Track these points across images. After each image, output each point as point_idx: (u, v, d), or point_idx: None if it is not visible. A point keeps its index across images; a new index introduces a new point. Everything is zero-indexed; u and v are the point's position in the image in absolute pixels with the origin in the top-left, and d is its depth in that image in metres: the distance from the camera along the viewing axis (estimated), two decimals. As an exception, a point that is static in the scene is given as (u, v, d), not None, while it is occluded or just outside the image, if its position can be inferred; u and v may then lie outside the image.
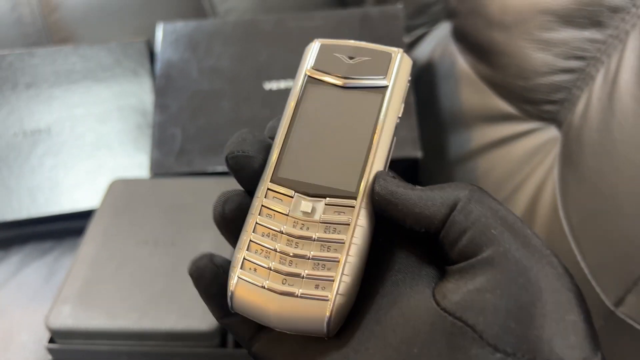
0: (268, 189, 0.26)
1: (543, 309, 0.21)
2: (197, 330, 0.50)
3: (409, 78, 0.28)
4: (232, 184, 0.68)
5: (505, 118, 0.63)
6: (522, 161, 0.61)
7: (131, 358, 0.52)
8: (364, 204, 0.25)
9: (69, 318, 0.51)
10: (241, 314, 0.25)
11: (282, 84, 0.70)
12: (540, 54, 0.57)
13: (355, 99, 0.27)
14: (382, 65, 0.28)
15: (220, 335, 0.51)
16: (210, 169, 0.65)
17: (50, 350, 0.53)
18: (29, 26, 0.84)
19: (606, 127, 0.49)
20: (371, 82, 0.27)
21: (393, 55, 0.28)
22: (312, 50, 0.29)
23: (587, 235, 0.49)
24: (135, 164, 0.72)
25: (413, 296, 0.24)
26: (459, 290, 0.22)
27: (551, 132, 0.59)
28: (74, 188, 0.71)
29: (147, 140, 0.73)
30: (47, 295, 0.63)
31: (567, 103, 0.56)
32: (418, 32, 0.82)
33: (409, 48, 0.80)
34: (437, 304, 0.23)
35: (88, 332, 0.51)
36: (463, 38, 0.70)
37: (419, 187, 0.25)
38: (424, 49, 0.80)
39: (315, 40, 0.29)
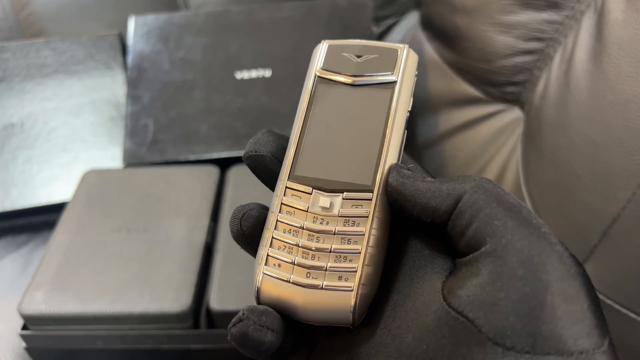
0: (287, 187, 0.26)
1: (547, 299, 0.21)
2: (170, 312, 0.51)
3: (416, 72, 0.29)
4: (203, 173, 0.68)
5: (471, 101, 0.64)
6: (487, 142, 0.62)
7: (106, 342, 0.53)
8: (380, 196, 0.26)
9: (42, 304, 0.52)
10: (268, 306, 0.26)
11: (253, 74, 0.71)
12: (502, 37, 0.59)
13: (365, 95, 0.28)
14: (390, 62, 0.29)
15: (193, 317, 0.52)
16: (183, 157, 0.66)
17: (24, 337, 0.53)
18: (0, 21, 0.84)
19: (563, 103, 0.50)
20: (380, 78, 0.28)
21: (399, 51, 0.29)
22: (320, 51, 0.30)
23: (546, 208, 0.51)
24: (109, 156, 0.73)
25: (425, 292, 0.24)
26: (463, 285, 0.22)
27: (514, 113, 0.60)
28: (48, 181, 0.71)
29: (120, 132, 0.74)
30: (22, 287, 0.63)
31: (529, 84, 0.58)
32: (387, 22, 0.84)
33: (378, 38, 0.81)
34: (444, 299, 0.23)
35: (61, 317, 0.51)
36: (429, 25, 0.72)
37: (429, 179, 0.25)
38: (393, 39, 0.82)
39: (323, 41, 0.30)
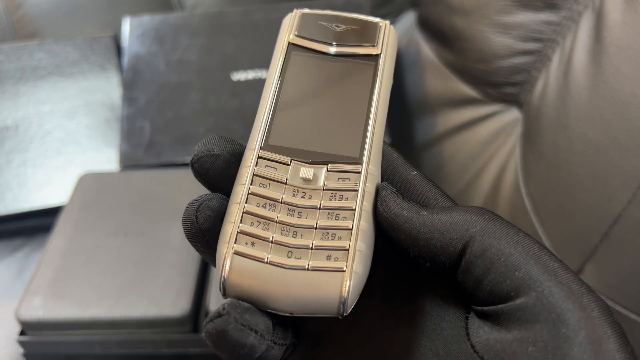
0: (259, 157, 0.23)
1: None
2: (169, 316, 0.51)
3: (396, 50, 0.27)
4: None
5: (469, 102, 0.64)
6: (485, 143, 0.62)
7: (104, 347, 0.52)
8: (370, 170, 0.23)
9: (40, 309, 0.51)
10: (237, 298, 0.22)
11: (249, 75, 0.70)
12: (500, 38, 0.58)
13: (346, 67, 0.26)
14: (371, 35, 0.27)
15: (192, 321, 0.52)
16: (179, 160, 0.66)
17: (21, 343, 0.53)
18: (-7, 23, 0.83)
19: (562, 104, 0.50)
20: (363, 50, 0.26)
21: (381, 24, 0.27)
22: (293, 19, 0.27)
23: (547, 209, 0.51)
24: (104, 158, 0.72)
25: (445, 333, 0.22)
26: (497, 338, 0.21)
27: (513, 114, 0.60)
28: (43, 184, 0.71)
29: (115, 135, 0.73)
30: (18, 292, 0.63)
31: (527, 84, 0.58)
32: (384, 22, 0.84)
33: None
34: (474, 349, 0.21)
35: (59, 322, 0.51)
36: (426, 26, 0.72)
37: (424, 212, 0.22)
38: (390, 39, 0.81)
39: (295, 9, 0.28)
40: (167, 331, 0.51)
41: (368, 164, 0.23)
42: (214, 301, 0.52)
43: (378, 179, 0.24)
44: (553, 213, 0.50)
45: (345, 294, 0.21)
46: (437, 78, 0.69)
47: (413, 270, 0.24)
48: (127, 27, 0.74)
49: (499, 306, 0.21)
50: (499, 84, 0.60)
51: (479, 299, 0.22)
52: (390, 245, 0.23)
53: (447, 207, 0.23)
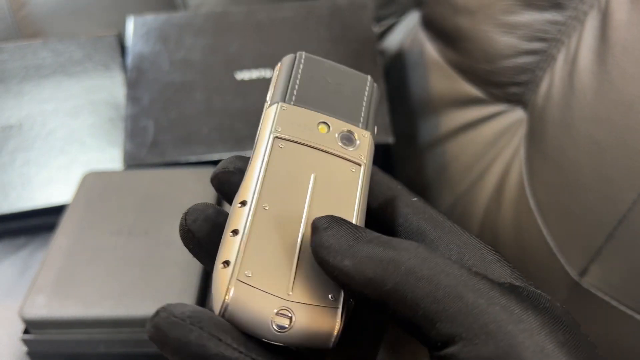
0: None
1: None
2: (173, 315, 0.50)
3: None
4: (204, 175, 0.68)
5: (473, 102, 0.64)
6: (490, 143, 0.62)
7: (108, 346, 0.52)
8: None
9: (44, 308, 0.51)
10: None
11: (254, 74, 0.70)
12: (505, 37, 0.58)
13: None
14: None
15: (196, 320, 0.52)
16: (183, 159, 0.66)
17: (25, 342, 0.53)
18: (-2, 22, 0.83)
19: (567, 104, 0.50)
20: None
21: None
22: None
23: (552, 209, 0.51)
24: (108, 158, 0.72)
25: None
26: None
27: (517, 114, 0.60)
28: (47, 183, 0.71)
29: (119, 134, 0.73)
30: (21, 291, 0.63)
31: (532, 84, 0.58)
32: (388, 21, 0.84)
33: (379, 38, 0.81)
34: None
35: (63, 321, 0.51)
36: (431, 25, 0.72)
37: (348, 257, 0.21)
38: (394, 39, 0.81)
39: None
40: (170, 330, 0.51)
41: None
42: (218, 300, 0.52)
43: None
44: (558, 213, 0.50)
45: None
46: (441, 78, 0.69)
47: None
48: (131, 26, 0.74)
49: (444, 352, 0.19)
50: (503, 84, 0.60)
51: (426, 343, 0.20)
52: None
53: (383, 241, 0.21)
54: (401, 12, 0.82)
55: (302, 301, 0.22)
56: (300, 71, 0.29)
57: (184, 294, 0.52)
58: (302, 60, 0.29)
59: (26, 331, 0.53)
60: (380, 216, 0.26)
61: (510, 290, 0.20)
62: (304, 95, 0.28)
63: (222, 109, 0.68)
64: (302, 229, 0.24)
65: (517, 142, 0.59)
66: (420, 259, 0.20)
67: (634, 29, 0.46)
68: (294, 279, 0.23)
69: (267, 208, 0.24)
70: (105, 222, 0.59)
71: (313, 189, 0.25)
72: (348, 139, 0.27)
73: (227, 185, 0.26)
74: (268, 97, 0.28)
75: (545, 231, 0.51)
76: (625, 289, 0.46)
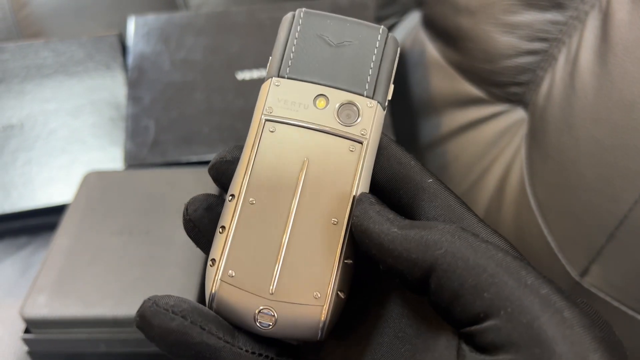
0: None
1: None
2: (174, 315, 0.51)
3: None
4: (205, 175, 0.68)
5: (474, 102, 0.64)
6: (490, 143, 0.62)
7: (109, 345, 0.52)
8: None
9: (44, 307, 0.51)
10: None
11: (254, 74, 0.70)
12: (506, 37, 0.58)
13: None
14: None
15: (197, 320, 0.52)
16: (184, 159, 0.66)
17: (26, 341, 0.53)
18: (-1, 22, 0.83)
19: (568, 104, 0.50)
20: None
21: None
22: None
23: (553, 209, 0.50)
24: (109, 157, 0.72)
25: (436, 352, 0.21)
26: None
27: (518, 114, 0.60)
28: (48, 183, 0.71)
29: (120, 133, 0.73)
30: (22, 290, 0.63)
31: (532, 84, 0.57)
32: (389, 21, 0.84)
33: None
34: None
35: (64, 320, 0.51)
36: (432, 25, 0.72)
37: (395, 229, 0.22)
38: (395, 39, 0.81)
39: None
40: (171, 330, 0.51)
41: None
42: (219, 300, 0.52)
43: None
44: (559, 213, 0.50)
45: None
46: (442, 78, 0.69)
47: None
48: (132, 26, 0.74)
49: (475, 328, 0.20)
50: (504, 84, 0.60)
51: (457, 321, 0.21)
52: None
53: (421, 224, 0.22)
54: (402, 12, 0.82)
55: (284, 300, 0.22)
56: (297, 34, 0.26)
57: (184, 294, 0.52)
58: (301, 20, 0.26)
59: (27, 330, 0.53)
60: (387, 194, 0.25)
61: (549, 281, 0.20)
62: (300, 65, 0.25)
63: (223, 109, 0.68)
64: (291, 222, 0.23)
65: (517, 142, 0.59)
66: (462, 239, 0.21)
67: (635, 29, 0.46)
68: (277, 277, 0.22)
69: (253, 202, 0.23)
70: (106, 222, 0.59)
71: (305, 177, 0.24)
72: (348, 112, 0.24)
73: (225, 175, 0.25)
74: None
75: (546, 231, 0.51)
76: (627, 289, 0.46)
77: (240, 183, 0.24)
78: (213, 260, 0.23)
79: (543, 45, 0.56)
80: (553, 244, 0.50)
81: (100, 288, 0.53)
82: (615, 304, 0.46)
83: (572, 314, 0.19)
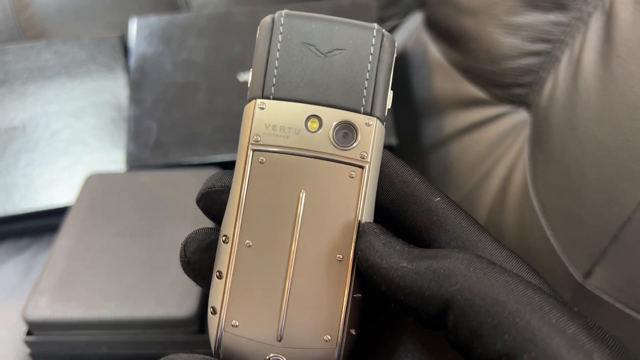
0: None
1: None
2: (175, 317, 0.50)
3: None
4: (207, 176, 0.68)
5: (477, 103, 0.64)
6: (493, 144, 0.62)
7: (110, 347, 0.52)
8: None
9: (47, 309, 0.51)
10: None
11: (256, 75, 0.70)
12: (508, 38, 0.58)
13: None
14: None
15: (199, 322, 0.51)
16: (186, 160, 0.66)
17: (28, 343, 0.53)
18: (1, 23, 0.83)
19: (571, 105, 0.50)
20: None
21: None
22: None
23: (556, 211, 0.50)
24: (111, 159, 0.72)
25: None
26: None
27: (521, 115, 0.60)
28: (50, 184, 0.71)
29: (122, 135, 0.73)
30: (24, 292, 0.63)
31: (535, 85, 0.57)
32: (391, 22, 0.83)
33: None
34: None
35: (66, 322, 0.51)
36: (434, 26, 0.71)
37: (404, 263, 0.20)
38: (397, 40, 0.81)
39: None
40: (173, 332, 0.51)
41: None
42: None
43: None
44: (562, 215, 0.50)
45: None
46: (445, 79, 0.68)
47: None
48: (134, 27, 0.74)
49: None
50: (507, 85, 0.60)
51: (473, 357, 0.19)
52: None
53: (431, 254, 0.20)
54: (404, 13, 0.82)
55: (293, 346, 0.21)
56: (280, 45, 0.22)
57: (186, 296, 0.52)
58: (282, 27, 0.22)
59: (29, 332, 0.53)
60: (393, 216, 0.23)
61: (576, 316, 0.18)
62: (286, 82, 0.22)
63: (224, 110, 0.68)
64: (292, 263, 0.21)
65: (520, 143, 0.59)
66: (478, 271, 0.19)
67: (639, 30, 0.46)
68: (284, 323, 0.21)
69: (250, 245, 0.22)
70: (108, 224, 0.59)
71: (303, 212, 0.22)
72: (345, 133, 0.22)
73: (215, 206, 0.23)
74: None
75: (549, 233, 0.51)
76: (630, 291, 0.45)
77: (233, 224, 0.22)
78: (214, 308, 0.22)
79: (546, 46, 0.56)
80: (556, 246, 0.50)
81: (102, 290, 0.53)
82: (619, 306, 0.46)
83: (602, 356, 0.17)
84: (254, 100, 0.22)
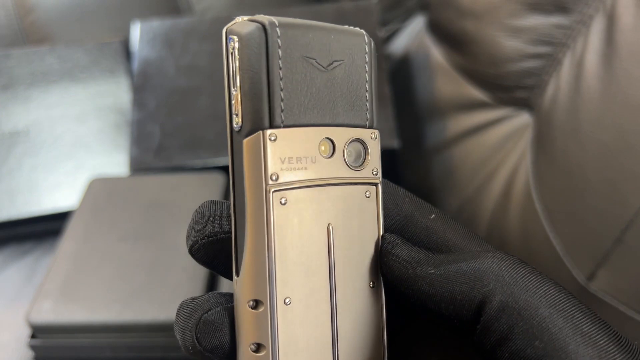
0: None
1: None
2: (179, 321, 0.50)
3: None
4: (209, 180, 0.68)
5: (479, 106, 0.64)
6: (496, 147, 0.62)
7: (114, 351, 0.52)
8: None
9: (50, 313, 0.51)
10: None
11: (259, 79, 0.70)
12: (510, 41, 0.58)
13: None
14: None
15: (202, 325, 0.52)
16: (189, 164, 0.66)
17: (32, 347, 0.53)
18: (5, 28, 0.84)
19: (574, 108, 0.50)
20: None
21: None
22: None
23: (558, 214, 0.50)
24: (114, 163, 0.72)
25: None
26: None
27: (523, 118, 0.60)
28: (53, 189, 0.71)
29: (125, 139, 0.73)
30: (28, 296, 0.63)
31: (538, 88, 0.57)
32: (393, 25, 0.84)
33: (384, 42, 0.81)
34: None
35: (69, 326, 0.51)
36: (436, 29, 0.71)
37: (432, 269, 0.19)
38: (400, 43, 0.81)
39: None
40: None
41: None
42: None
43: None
44: (564, 218, 0.50)
45: None
46: (447, 82, 0.68)
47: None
48: (137, 31, 0.74)
49: None
50: (509, 88, 0.60)
51: None
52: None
53: (457, 257, 0.19)
54: (406, 16, 0.82)
55: None
56: (281, 62, 0.18)
57: (189, 299, 0.52)
58: (279, 39, 0.19)
59: (33, 336, 0.53)
60: None
61: (606, 326, 0.18)
62: (295, 104, 0.19)
63: (227, 114, 0.68)
64: (336, 309, 0.19)
65: (523, 146, 0.59)
66: (511, 271, 0.18)
67: (641, 32, 0.46)
68: None
69: (288, 303, 0.19)
70: (111, 228, 0.59)
71: (335, 247, 0.19)
72: (357, 152, 0.20)
73: (221, 257, 0.20)
74: (233, 117, 0.19)
75: (551, 235, 0.51)
76: (634, 294, 0.45)
77: (266, 286, 0.18)
78: None
79: (548, 49, 0.56)
80: (559, 249, 0.50)
81: (106, 294, 0.53)
82: (622, 308, 0.46)
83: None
84: (260, 132, 0.18)
